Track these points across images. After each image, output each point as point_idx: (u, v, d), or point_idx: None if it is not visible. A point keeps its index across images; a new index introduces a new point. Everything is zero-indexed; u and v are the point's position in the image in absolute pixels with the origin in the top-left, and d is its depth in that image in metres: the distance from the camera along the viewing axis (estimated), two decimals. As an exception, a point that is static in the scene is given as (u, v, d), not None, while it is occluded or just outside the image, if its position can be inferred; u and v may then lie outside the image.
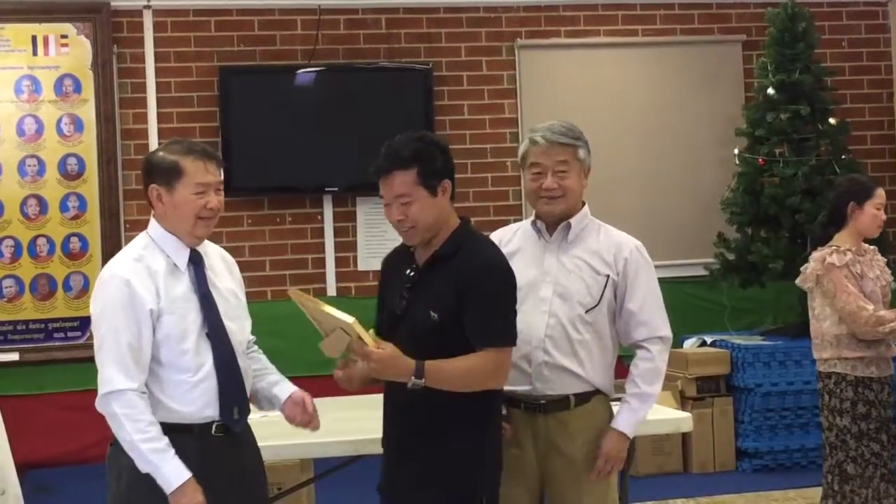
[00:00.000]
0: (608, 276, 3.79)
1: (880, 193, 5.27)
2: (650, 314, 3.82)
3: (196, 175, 3.48)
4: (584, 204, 3.90)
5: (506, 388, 3.67)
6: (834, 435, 5.18)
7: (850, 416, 5.12)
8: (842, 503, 5.18)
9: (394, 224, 3.53)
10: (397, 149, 3.53)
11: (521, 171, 3.93)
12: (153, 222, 3.56)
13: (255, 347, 3.75)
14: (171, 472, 3.34)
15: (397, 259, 3.67)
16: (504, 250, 3.77)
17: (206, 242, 3.64)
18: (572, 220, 3.84)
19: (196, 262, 3.52)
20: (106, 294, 3.45)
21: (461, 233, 3.57)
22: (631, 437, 3.81)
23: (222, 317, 3.49)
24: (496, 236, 3.93)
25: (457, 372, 3.42)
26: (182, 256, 3.51)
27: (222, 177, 3.56)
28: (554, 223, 3.85)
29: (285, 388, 3.65)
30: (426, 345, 3.43)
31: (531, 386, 3.75)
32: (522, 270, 3.76)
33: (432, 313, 3.45)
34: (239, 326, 3.55)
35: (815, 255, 5.25)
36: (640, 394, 3.79)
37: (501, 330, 3.49)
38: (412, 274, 3.54)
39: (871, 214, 5.21)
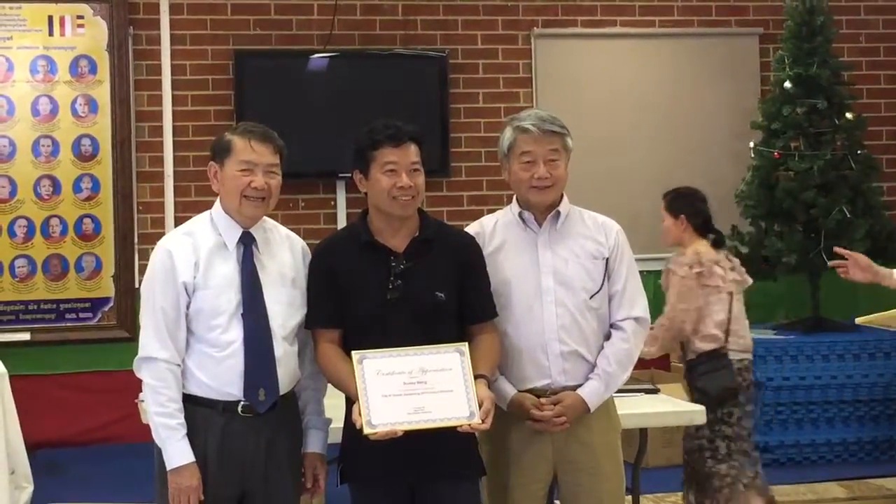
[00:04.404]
0: (606, 258, 3.81)
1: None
2: (631, 294, 3.83)
3: (242, 152, 3.55)
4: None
5: (526, 383, 3.73)
6: None
7: None
8: None
9: (393, 191, 3.56)
10: (405, 124, 3.64)
11: (506, 160, 3.84)
12: (217, 201, 3.65)
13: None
14: (175, 451, 3.43)
15: (349, 250, 3.64)
16: (490, 246, 3.81)
17: (276, 226, 3.73)
18: (560, 209, 3.83)
19: (246, 242, 3.57)
20: (151, 263, 3.58)
21: (428, 216, 3.71)
22: (591, 410, 3.75)
23: (266, 300, 3.53)
24: (473, 229, 3.89)
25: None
26: (232, 236, 3.57)
27: (276, 160, 3.61)
28: (542, 213, 3.82)
29: (308, 442, 3.69)
30: (428, 324, 3.54)
31: (550, 379, 3.73)
32: (512, 263, 3.79)
33: (438, 293, 3.56)
34: (284, 311, 3.58)
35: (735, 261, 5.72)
36: (611, 374, 3.76)
37: (494, 303, 3.71)
38: (404, 261, 3.57)
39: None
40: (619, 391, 3.94)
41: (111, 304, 7.63)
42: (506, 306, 3.75)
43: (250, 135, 3.58)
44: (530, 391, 3.74)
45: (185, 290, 3.49)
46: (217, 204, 3.64)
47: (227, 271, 3.54)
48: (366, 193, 3.68)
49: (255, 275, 3.55)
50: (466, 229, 3.89)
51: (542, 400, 3.70)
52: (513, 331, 3.75)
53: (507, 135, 3.82)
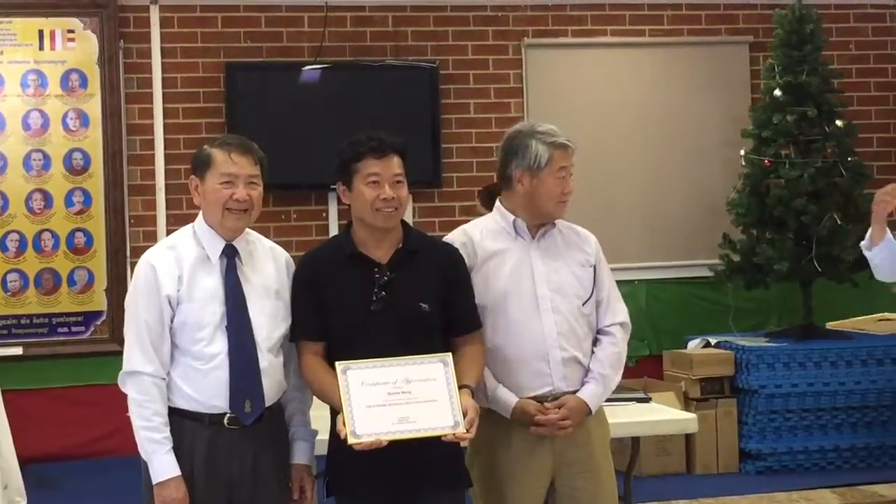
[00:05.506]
0: (594, 266, 3.87)
1: None
2: (614, 301, 3.91)
3: (222, 165, 3.56)
4: None
5: (526, 392, 3.74)
6: None
7: None
8: None
9: (376, 203, 3.57)
10: (388, 136, 3.65)
11: (530, 172, 3.80)
12: (199, 214, 3.66)
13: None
14: (161, 465, 3.45)
15: (333, 262, 3.65)
16: (480, 255, 3.81)
17: (260, 238, 3.73)
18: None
19: (230, 255, 3.57)
20: (135, 277, 3.60)
21: (411, 228, 3.73)
22: (593, 412, 3.80)
23: (250, 312, 3.54)
24: (458, 238, 3.87)
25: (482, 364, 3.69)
26: (215, 248, 3.58)
27: (257, 171, 3.61)
28: (537, 223, 3.86)
29: (294, 453, 3.68)
30: (412, 335, 3.54)
31: (552, 386, 3.76)
32: (506, 272, 3.80)
33: (422, 304, 3.57)
34: (268, 323, 3.58)
35: None
36: (606, 376, 3.83)
37: (478, 315, 3.73)
38: (388, 272, 3.58)
39: None
40: (611, 399, 4.00)
41: (103, 317, 7.62)
42: (502, 316, 3.77)
43: (229, 147, 3.59)
44: (533, 398, 3.76)
45: (169, 303, 3.50)
46: (199, 217, 3.65)
47: (211, 284, 3.55)
48: (349, 205, 3.69)
49: (239, 287, 3.56)
50: (450, 237, 3.89)
51: (546, 404, 3.73)
52: (510, 340, 3.77)
53: (540, 149, 3.79)
